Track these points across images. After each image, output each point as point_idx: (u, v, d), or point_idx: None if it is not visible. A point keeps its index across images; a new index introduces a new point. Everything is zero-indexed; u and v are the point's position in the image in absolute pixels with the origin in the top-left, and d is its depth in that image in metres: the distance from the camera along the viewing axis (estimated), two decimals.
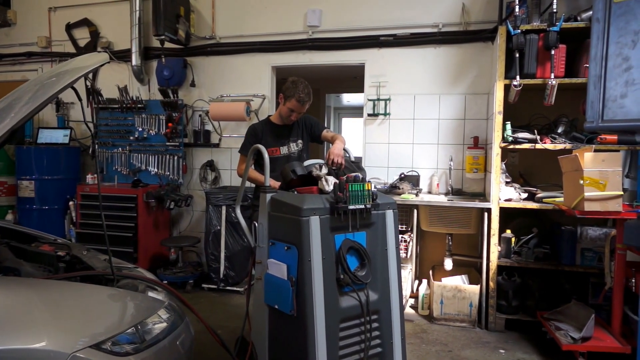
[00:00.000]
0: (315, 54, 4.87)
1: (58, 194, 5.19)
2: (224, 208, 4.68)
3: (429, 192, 4.57)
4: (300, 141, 3.45)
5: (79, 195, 4.99)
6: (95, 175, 5.25)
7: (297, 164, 2.80)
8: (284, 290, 2.45)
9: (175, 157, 5.21)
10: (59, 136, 5.39)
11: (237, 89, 5.08)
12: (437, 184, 4.53)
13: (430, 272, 4.30)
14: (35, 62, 5.80)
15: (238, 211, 3.03)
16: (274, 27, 4.95)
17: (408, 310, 4.26)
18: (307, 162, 2.85)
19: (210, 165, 5.21)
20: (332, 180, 2.61)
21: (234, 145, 5.08)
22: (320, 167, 2.73)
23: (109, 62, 2.08)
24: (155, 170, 5.26)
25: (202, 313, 4.14)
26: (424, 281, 4.29)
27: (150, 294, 2.09)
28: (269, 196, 2.63)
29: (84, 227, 4.95)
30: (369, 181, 2.60)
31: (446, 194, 4.48)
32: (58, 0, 5.69)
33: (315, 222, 2.40)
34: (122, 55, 5.40)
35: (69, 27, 5.62)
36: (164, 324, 1.93)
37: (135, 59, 5.19)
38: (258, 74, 5.04)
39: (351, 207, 2.48)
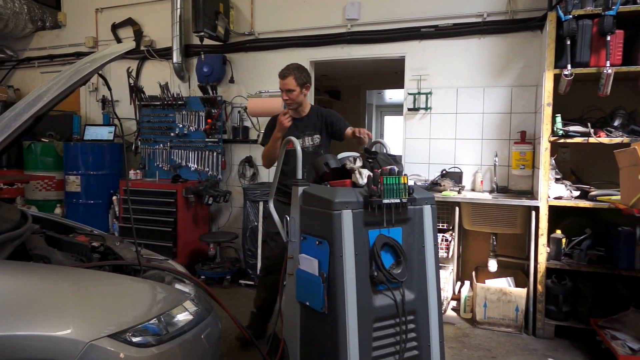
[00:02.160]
0: (354, 47, 4.76)
1: (102, 188, 5.33)
2: (261, 204, 4.65)
3: (472, 190, 4.36)
4: (317, 136, 3.28)
5: (122, 190, 5.10)
6: (138, 171, 5.37)
7: (330, 157, 2.70)
8: (315, 286, 2.37)
9: (215, 153, 5.23)
10: (104, 133, 5.54)
11: (276, 85, 5.01)
12: (481, 181, 4.31)
13: (473, 273, 4.10)
14: None
15: (271, 205, 2.97)
16: (312, 21, 4.88)
17: (449, 312, 4.07)
18: (341, 155, 2.76)
19: (249, 161, 5.21)
20: (366, 173, 2.50)
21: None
22: (355, 159, 2.63)
23: (134, 49, 2.03)
24: (195, 166, 5.31)
25: (238, 309, 4.13)
26: (467, 283, 4.09)
27: (177, 286, 2.05)
28: (300, 189, 2.56)
29: (126, 221, 5.05)
30: (405, 174, 2.47)
31: (490, 191, 4.26)
32: (105, 1, 5.85)
33: (347, 216, 2.30)
34: (164, 53, 5.48)
35: (114, 27, 5.77)
36: (190, 317, 1.89)
37: (176, 57, 5.26)
38: None
39: (386, 201, 2.36)
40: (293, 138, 2.71)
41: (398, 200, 2.41)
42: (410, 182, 2.76)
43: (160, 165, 5.47)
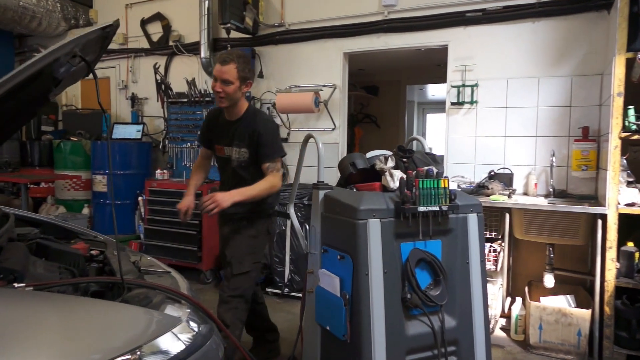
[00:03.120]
0: (392, 36, 4.35)
1: (129, 188, 5.16)
2: (289, 207, 4.31)
3: (525, 194, 3.86)
4: (244, 150, 2.54)
5: (147, 190, 4.91)
6: (165, 171, 5.17)
7: (358, 156, 2.33)
8: (335, 309, 2.00)
9: None
10: (132, 131, 5.38)
11: (307, 79, 4.71)
12: (535, 184, 3.81)
13: (526, 289, 3.60)
14: (113, 59, 5.87)
15: (291, 210, 2.63)
16: (346, 9, 4.50)
17: (497, 332, 3.60)
18: (370, 154, 2.38)
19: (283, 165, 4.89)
20: (398, 175, 2.11)
21: (301, 139, 4.71)
22: (386, 159, 2.24)
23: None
24: None
25: None
26: (518, 300, 3.60)
27: (170, 307, 1.73)
28: (322, 193, 2.20)
29: (152, 223, 4.85)
30: (445, 177, 2.06)
31: (546, 195, 3.74)
32: None
33: (374, 226, 1.92)
34: (192, 48, 5.26)
35: (144, 23, 5.62)
36: (181, 346, 1.55)
37: (203, 51, 5.02)
38: (329, 62, 4.63)
39: (422, 208, 1.97)
40: (315, 136, 2.35)
41: (437, 208, 2.00)
42: (453, 186, 2.35)
43: (187, 164, 5.25)
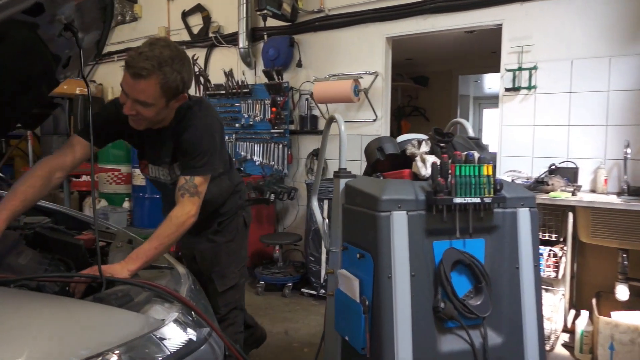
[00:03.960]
0: (439, 17, 3.97)
1: None
2: (326, 202, 4.04)
3: (592, 191, 3.36)
4: (175, 168, 1.84)
5: None
6: None
7: (387, 140, 2.02)
8: (354, 317, 1.70)
9: (280, 146, 4.73)
10: None
11: (347, 67, 4.41)
12: (605, 180, 3.30)
13: (594, 301, 3.11)
14: None
15: (314, 203, 2.35)
16: None
17: (559, 350, 3.13)
18: (402, 137, 2.06)
19: (317, 154, 4.63)
20: (431, 160, 1.78)
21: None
22: (420, 143, 1.91)
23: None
24: (260, 159, 4.85)
25: (294, 323, 3.57)
26: (584, 313, 3.11)
27: (158, 307, 1.50)
28: (342, 182, 1.90)
29: None
30: (489, 162, 1.71)
31: (619, 193, 3.23)
32: None
33: (400, 220, 1.61)
34: (231, 39, 5.11)
35: (184, 15, 5.54)
36: (165, 352, 1.32)
37: (242, 41, 4.85)
38: (370, 48, 4.31)
39: (458, 199, 1.63)
40: (338, 116, 2.06)
41: (478, 200, 1.66)
42: (502, 177, 1.98)
43: None
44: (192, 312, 1.62)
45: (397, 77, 6.07)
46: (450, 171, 1.66)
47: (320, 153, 2.27)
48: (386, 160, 1.98)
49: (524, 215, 1.77)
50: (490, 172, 1.69)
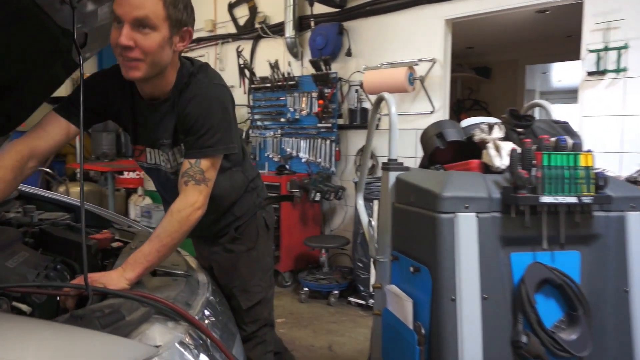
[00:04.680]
0: None
1: None
2: (376, 203, 3.66)
3: None
4: (177, 152, 1.49)
5: None
6: None
7: (448, 124, 1.64)
8: (406, 347, 1.34)
9: (328, 142, 4.40)
10: None
11: (401, 55, 4.01)
12: None
13: None
14: (202, 47, 5.70)
15: (360, 201, 2.01)
16: None
17: None
18: (467, 121, 1.66)
19: None
20: (508, 148, 1.38)
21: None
22: (491, 127, 1.51)
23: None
24: (306, 156, 4.54)
25: (340, 337, 3.23)
26: None
27: (157, 326, 1.21)
28: (392, 176, 1.54)
29: None
30: (588, 150, 1.29)
31: None
32: None
33: (467, 225, 1.23)
34: (277, 29, 4.84)
35: (231, 7, 5.34)
36: None
37: (288, 30, 4.57)
38: (427, 33, 3.88)
39: (546, 198, 1.23)
40: (387, 95, 1.70)
41: (573, 199, 1.25)
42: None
43: (270, 155, 4.84)
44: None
45: (457, 67, 5.57)
46: (535, 161, 1.26)
47: (367, 141, 1.92)
48: (448, 149, 1.60)
49: (635, 221, 1.34)
50: (590, 163, 1.28)
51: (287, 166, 4.62)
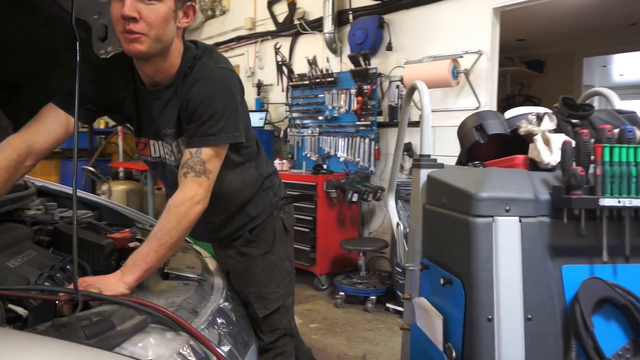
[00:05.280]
0: None
1: None
2: (388, 197, 3.45)
3: None
4: (181, 144, 1.36)
5: None
6: (284, 161, 4.71)
7: (489, 115, 1.44)
8: None
9: (367, 140, 4.22)
10: (255, 119, 5.05)
11: (445, 47, 3.78)
12: None
13: None
14: (242, 45, 5.66)
15: (391, 202, 1.84)
16: None
17: None
18: (512, 112, 1.46)
19: (408, 149, 4.04)
20: (559, 140, 1.17)
21: (438, 122, 3.79)
22: (540, 118, 1.31)
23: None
24: (344, 155, 4.38)
25: (374, 345, 3.06)
26: None
27: (154, 337, 1.10)
28: (424, 173, 1.36)
29: None
30: None
31: None
32: None
33: (508, 230, 1.04)
34: (316, 25, 4.71)
35: (270, 4, 5.27)
36: None
37: (327, 25, 4.43)
38: (473, 23, 3.63)
39: (607, 201, 1.03)
40: (420, 83, 1.53)
41: None
42: None
43: (308, 154, 4.71)
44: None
45: (506, 61, 5.24)
46: (593, 156, 1.05)
47: (398, 135, 1.74)
48: (489, 144, 1.40)
49: None
50: None
51: (325, 165, 4.48)
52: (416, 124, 3.97)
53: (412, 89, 1.55)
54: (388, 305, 3.68)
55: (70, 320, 1.02)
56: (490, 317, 1.02)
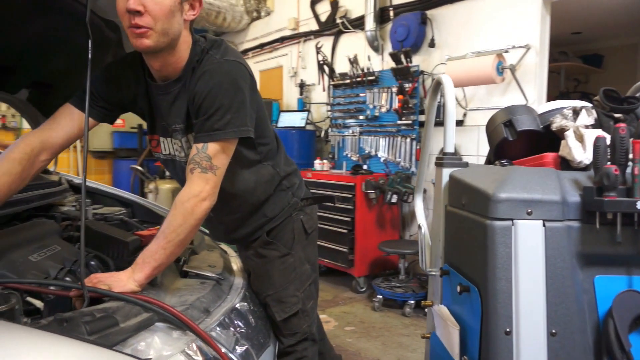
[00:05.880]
0: None
1: None
2: (416, 197, 3.31)
3: None
4: (191, 140, 1.34)
5: None
6: (325, 161, 4.66)
7: (520, 110, 1.34)
8: None
9: (408, 140, 4.11)
10: (297, 119, 5.05)
11: (489, 42, 3.60)
12: None
13: None
14: (286, 46, 5.67)
15: (418, 202, 1.76)
16: None
17: None
18: (546, 106, 1.35)
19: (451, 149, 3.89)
20: (592, 136, 1.06)
21: (482, 121, 3.63)
22: (577, 112, 1.20)
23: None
24: (385, 155, 4.28)
25: (410, 351, 2.96)
26: None
27: (160, 336, 1.08)
28: (446, 172, 1.28)
29: None
30: None
31: None
32: None
33: (529, 236, 0.95)
34: (358, 23, 4.64)
35: (313, 3, 5.25)
36: None
37: (369, 23, 4.35)
38: (520, 16, 3.44)
39: None
40: (445, 77, 1.44)
41: None
42: None
43: (348, 154, 4.65)
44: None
45: (560, 55, 4.93)
46: (632, 154, 0.94)
47: (425, 133, 1.66)
48: (519, 141, 1.30)
49: None
50: None
51: (365, 166, 4.40)
52: (460, 122, 3.83)
53: (438, 84, 1.46)
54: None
55: (74, 316, 1.02)
56: (508, 330, 0.93)
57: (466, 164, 1.29)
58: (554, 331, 0.92)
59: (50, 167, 2.24)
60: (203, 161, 1.20)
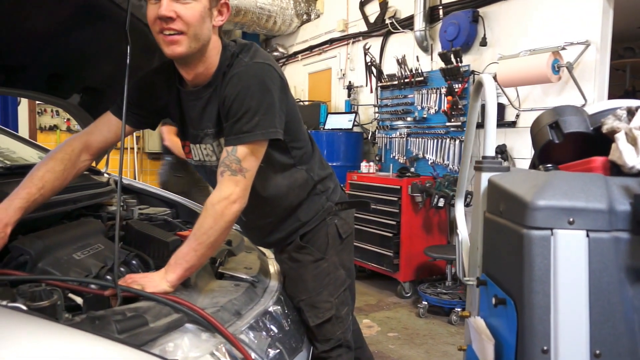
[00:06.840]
0: None
1: None
2: (457, 201, 3.18)
3: None
4: (221, 141, 1.35)
5: (347, 184, 4.45)
6: (371, 164, 4.61)
7: (567, 110, 1.25)
8: None
9: (457, 142, 3.99)
10: (344, 121, 5.03)
11: (544, 39, 3.42)
12: None
13: None
14: (335, 47, 5.66)
15: (459, 206, 1.69)
16: None
17: None
18: (597, 107, 1.25)
19: (502, 152, 3.73)
20: None
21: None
22: (631, 112, 1.10)
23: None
24: (433, 158, 4.18)
25: None
26: None
27: (189, 337, 1.10)
28: (485, 177, 1.22)
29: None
30: None
31: None
32: None
33: (571, 247, 0.88)
34: (407, 24, 4.56)
35: (362, 4, 5.21)
36: None
37: (418, 23, 4.26)
38: (579, 11, 3.25)
39: None
40: (486, 77, 1.37)
41: None
42: None
43: (395, 157, 4.57)
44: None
45: (626, 51, 4.63)
46: None
47: (466, 135, 1.59)
48: (567, 144, 1.21)
49: None
50: None
51: (413, 168, 4.31)
52: (512, 124, 3.67)
53: (479, 84, 1.39)
54: None
55: (106, 314, 1.05)
56: (545, 348, 0.86)
57: (507, 168, 1.21)
58: (597, 352, 0.85)
59: (102, 168, 2.34)
60: (233, 164, 1.21)
